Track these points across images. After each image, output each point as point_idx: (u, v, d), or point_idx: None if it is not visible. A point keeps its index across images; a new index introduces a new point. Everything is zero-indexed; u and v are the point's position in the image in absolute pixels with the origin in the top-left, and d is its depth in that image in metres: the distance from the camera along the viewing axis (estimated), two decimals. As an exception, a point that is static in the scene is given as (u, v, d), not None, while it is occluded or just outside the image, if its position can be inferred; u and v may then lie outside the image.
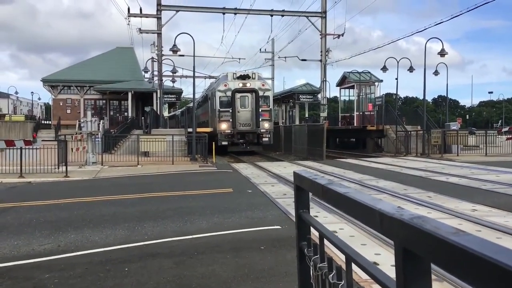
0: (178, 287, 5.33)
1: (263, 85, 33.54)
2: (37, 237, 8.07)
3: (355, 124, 38.72)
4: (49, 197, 12.72)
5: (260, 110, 32.52)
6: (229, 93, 32.49)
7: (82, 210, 10.72)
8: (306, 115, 51.99)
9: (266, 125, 32.79)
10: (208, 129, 33.26)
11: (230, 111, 32.25)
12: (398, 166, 20.13)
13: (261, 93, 32.76)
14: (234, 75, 33.38)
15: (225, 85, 32.74)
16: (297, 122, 47.93)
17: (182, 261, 6.41)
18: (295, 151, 32.94)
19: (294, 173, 2.28)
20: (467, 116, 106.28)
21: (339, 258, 3.72)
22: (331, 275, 1.76)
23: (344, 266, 1.66)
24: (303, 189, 2.23)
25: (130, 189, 14.10)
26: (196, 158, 25.09)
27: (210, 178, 17.43)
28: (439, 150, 27.31)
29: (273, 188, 13.67)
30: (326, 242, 1.88)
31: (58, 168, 18.79)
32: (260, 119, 32.46)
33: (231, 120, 32.24)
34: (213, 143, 27.28)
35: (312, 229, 2.17)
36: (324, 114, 44.79)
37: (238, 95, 32.59)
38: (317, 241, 2.17)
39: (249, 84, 32.83)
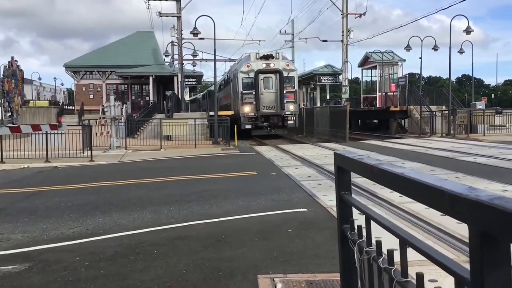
0: (208, 270, 5.31)
1: (287, 65, 32.13)
2: (65, 221, 8.16)
3: (377, 105, 38.22)
4: (75, 181, 12.88)
5: (284, 92, 31.10)
6: (252, 74, 31.18)
7: (108, 193, 10.83)
8: (328, 97, 51.47)
9: (291, 107, 31.47)
10: (230, 112, 32.85)
11: (253, 93, 30.95)
12: (423, 147, 19.81)
13: (285, 74, 31.36)
14: (257, 55, 32.07)
15: (248, 66, 31.42)
16: (318, 104, 47.53)
17: (210, 243, 6.40)
18: (317, 133, 32.68)
19: (335, 153, 2.19)
20: (492, 95, 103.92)
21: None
22: (381, 259, 1.67)
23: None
24: (345, 170, 2.14)
25: (154, 172, 14.18)
26: (218, 142, 25.14)
27: (233, 161, 17.43)
28: (465, 130, 26.79)
29: (297, 171, 13.58)
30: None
31: (83, 153, 19.03)
32: (285, 101, 31.09)
33: (254, 102, 30.93)
34: (235, 126, 26.85)
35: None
36: (345, 95, 44.25)
37: (261, 76, 31.25)
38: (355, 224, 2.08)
39: (273, 65, 31.44)
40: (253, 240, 6.50)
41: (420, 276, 1.34)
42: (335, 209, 7.69)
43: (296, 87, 33.05)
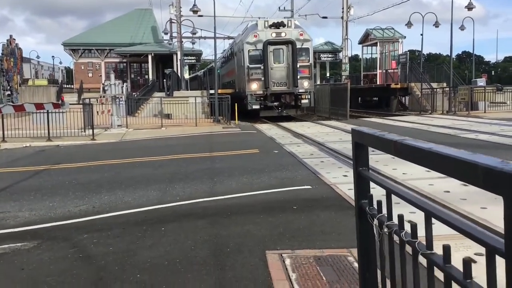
0: (216, 246, 5.38)
1: (301, 34, 27.82)
2: (71, 199, 8.21)
3: (378, 83, 38.11)
4: (78, 159, 12.92)
5: (298, 66, 27.18)
6: (260, 46, 27.19)
7: (112, 172, 10.87)
8: (328, 74, 51.26)
9: (305, 83, 27.57)
10: (230, 90, 31.60)
11: (262, 67, 27.04)
12: (424, 124, 19.84)
13: (298, 45, 27.35)
14: (266, 23, 27.77)
15: (255, 36, 27.34)
16: (318, 82, 47.36)
17: (216, 221, 6.46)
18: (317, 111, 32.52)
19: (353, 130, 2.21)
20: (492, 72, 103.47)
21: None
22: (403, 233, 1.70)
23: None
24: (363, 146, 2.15)
25: (157, 151, 14.21)
26: (219, 120, 25.11)
27: (235, 139, 17.45)
28: (466, 107, 26.78)
29: (299, 149, 13.62)
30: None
31: (85, 131, 19.03)
32: (298, 77, 27.19)
33: (263, 78, 27.01)
34: (236, 105, 25.66)
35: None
36: (346, 73, 44.09)
37: (271, 48, 27.25)
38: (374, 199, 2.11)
39: (284, 34, 27.37)
40: (259, 217, 6.56)
41: (447, 248, 1.37)
42: (339, 186, 7.75)
43: (311, 60, 28.80)
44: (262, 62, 27.14)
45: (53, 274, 4.72)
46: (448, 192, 7.18)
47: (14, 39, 33.38)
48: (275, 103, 27.37)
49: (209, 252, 5.18)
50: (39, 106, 15.78)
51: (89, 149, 15.93)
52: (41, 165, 12.22)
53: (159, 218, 6.74)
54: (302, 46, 27.71)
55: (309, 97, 27.83)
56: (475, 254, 4.06)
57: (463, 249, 4.31)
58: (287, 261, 4.70)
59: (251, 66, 27.31)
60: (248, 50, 27.50)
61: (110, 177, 10.20)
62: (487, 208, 6.05)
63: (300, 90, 27.44)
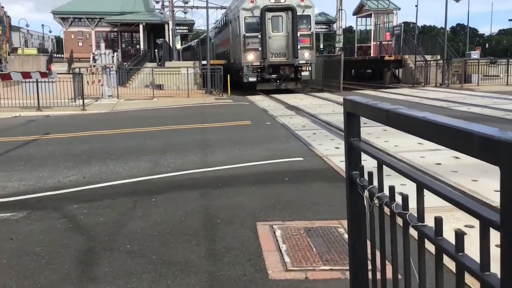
0: (207, 217, 5.36)
1: (302, 0, 25.47)
2: (61, 169, 8.14)
3: (372, 55, 37.83)
4: (68, 130, 12.80)
5: (298, 35, 25.08)
6: (257, 12, 25.00)
7: (103, 142, 10.79)
8: (321, 46, 50.81)
9: (306, 54, 25.39)
10: (223, 61, 30.46)
11: (259, 36, 24.89)
12: (417, 96, 19.82)
13: (299, 11, 25.11)
14: None
15: (252, 2, 25.09)
16: (312, 53, 46.96)
17: (207, 192, 6.44)
18: (310, 83, 32.26)
19: (344, 99, 2.14)
20: (486, 44, 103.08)
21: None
22: (394, 204, 1.66)
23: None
24: (355, 116, 2.09)
25: (149, 122, 14.11)
26: (211, 91, 24.89)
27: (227, 110, 17.35)
28: (459, 80, 26.71)
29: (292, 120, 13.57)
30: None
31: (75, 102, 18.82)
32: (299, 47, 25.11)
33: (260, 48, 24.91)
34: (228, 75, 25.05)
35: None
36: (339, 44, 43.76)
37: (269, 15, 25.08)
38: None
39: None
40: (250, 188, 6.54)
41: (438, 220, 1.33)
42: (331, 158, 7.72)
43: (313, 29, 26.45)
44: (260, 31, 24.97)
45: (43, 244, 4.69)
46: (440, 164, 7.19)
47: (3, 7, 32.65)
48: (273, 76, 25.38)
49: (200, 223, 5.17)
50: (26, 75, 15.48)
51: (80, 119, 15.78)
52: (31, 135, 12.09)
53: (150, 189, 6.71)
54: (303, 13, 25.45)
55: (310, 69, 25.74)
56: (466, 226, 4.07)
57: (453, 221, 4.32)
58: (278, 232, 4.70)
59: (247, 34, 25.14)
60: (244, 17, 25.23)
61: (101, 147, 10.12)
62: (478, 181, 6.07)
63: (301, 62, 25.36)
